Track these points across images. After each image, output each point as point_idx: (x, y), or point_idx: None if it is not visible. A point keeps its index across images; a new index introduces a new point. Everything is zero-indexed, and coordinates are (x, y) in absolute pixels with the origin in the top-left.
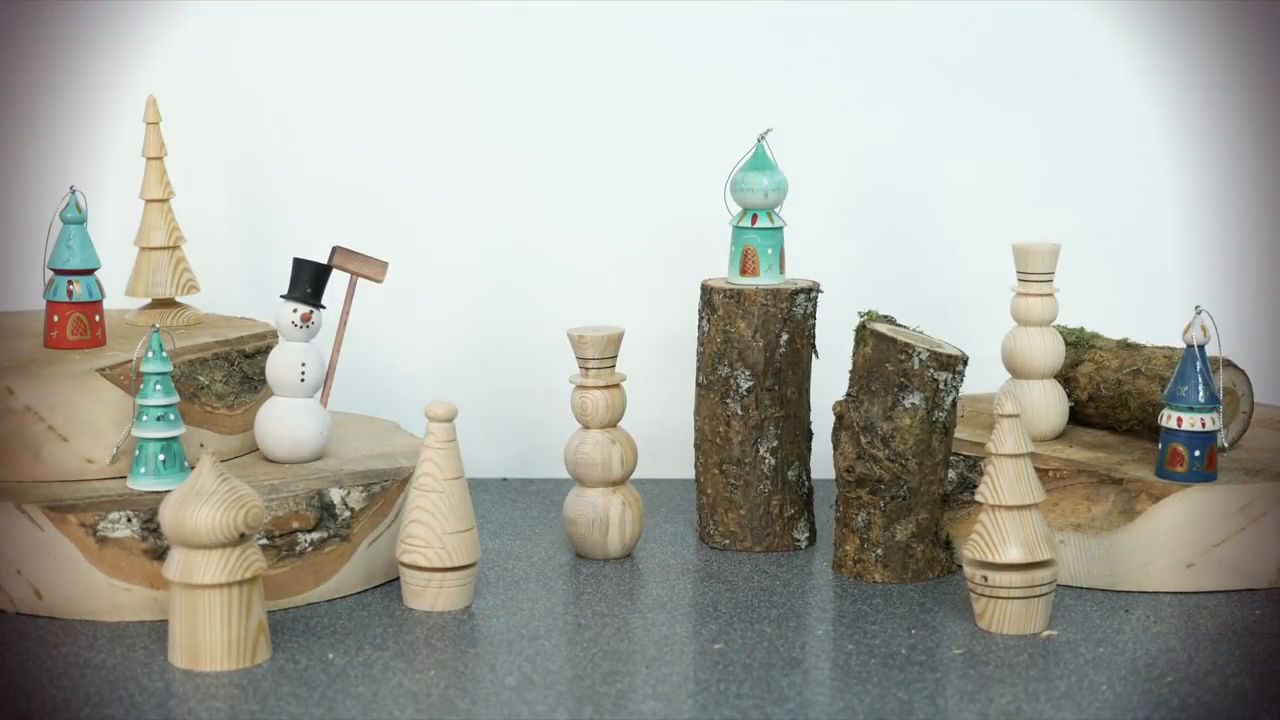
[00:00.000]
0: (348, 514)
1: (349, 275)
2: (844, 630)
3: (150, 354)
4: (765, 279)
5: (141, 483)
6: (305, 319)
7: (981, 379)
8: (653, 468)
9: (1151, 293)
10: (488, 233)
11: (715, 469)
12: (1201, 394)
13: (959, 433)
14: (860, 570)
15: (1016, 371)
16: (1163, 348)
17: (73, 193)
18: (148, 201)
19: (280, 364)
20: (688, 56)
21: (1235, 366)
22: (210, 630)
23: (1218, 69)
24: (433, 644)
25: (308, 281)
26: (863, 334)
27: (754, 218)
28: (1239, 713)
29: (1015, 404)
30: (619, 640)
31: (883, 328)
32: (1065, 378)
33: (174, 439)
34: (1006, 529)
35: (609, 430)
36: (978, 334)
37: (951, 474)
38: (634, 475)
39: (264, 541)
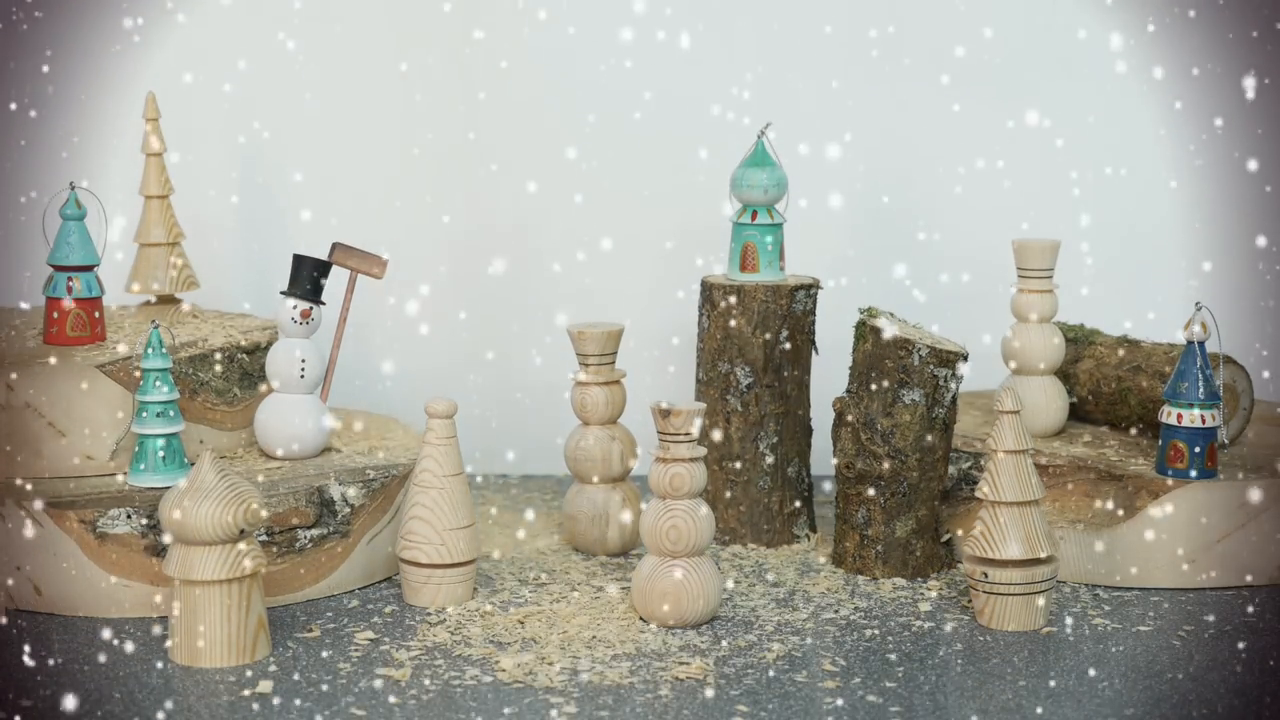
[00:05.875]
0: (347, 510)
1: (349, 271)
2: (844, 627)
3: (150, 350)
4: (765, 275)
5: (141, 479)
6: (305, 315)
7: (982, 375)
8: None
9: (1152, 289)
10: (488, 229)
11: (715, 465)
12: (1202, 390)
13: (959, 429)
14: (860, 566)
15: (1017, 368)
16: (1163, 344)
17: (72, 189)
18: (147, 198)
19: (280, 360)
20: (688, 53)
21: (1235, 363)
22: (210, 626)
23: (1218, 65)
24: (432, 642)
25: (308, 278)
26: (863, 330)
27: (754, 214)
28: (1239, 709)
29: (1015, 400)
30: (620, 639)
31: (883, 324)
32: (1065, 374)
33: (174, 435)
34: (1007, 525)
35: (609, 426)
36: (978, 330)
37: (951, 470)
38: (634, 471)
39: (263, 538)
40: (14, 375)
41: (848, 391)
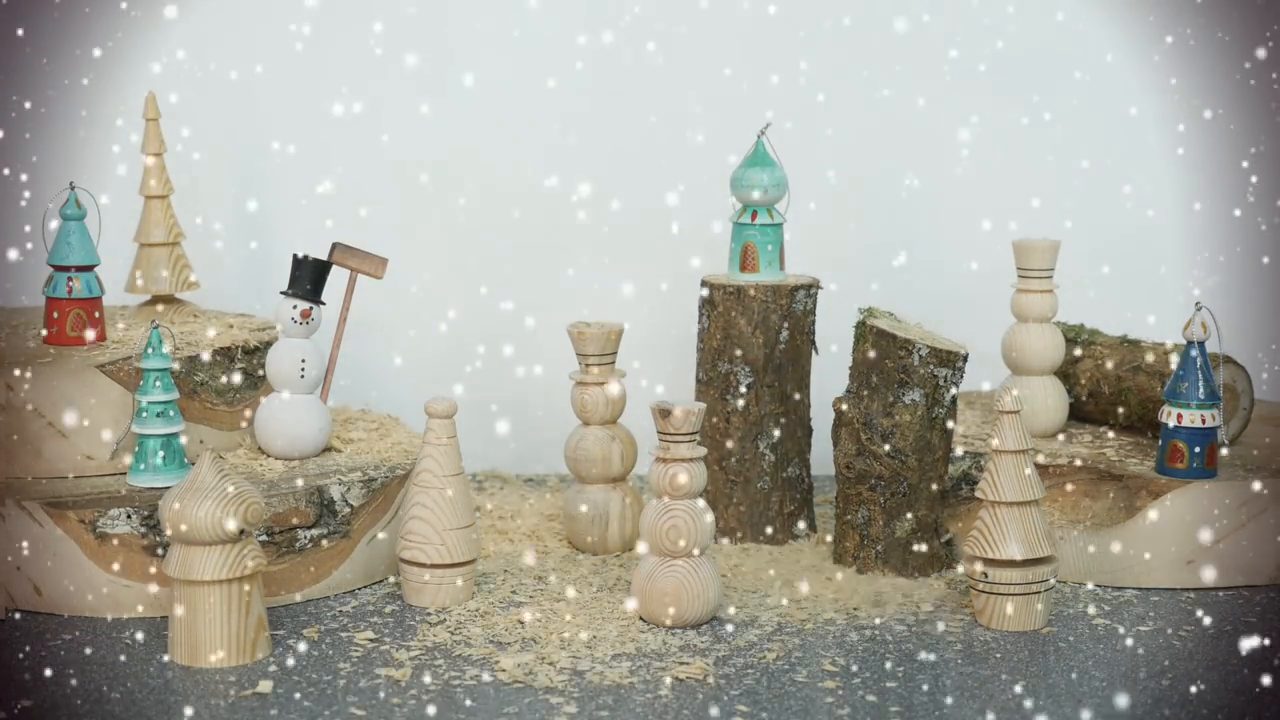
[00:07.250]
0: (347, 510)
1: (349, 271)
2: (844, 627)
3: (150, 350)
4: (765, 275)
5: (141, 479)
6: (305, 315)
7: (982, 375)
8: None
9: (1151, 289)
10: (488, 229)
11: (715, 465)
12: (1201, 390)
13: (959, 428)
14: (860, 566)
15: (1017, 368)
16: (1163, 344)
17: (72, 189)
18: (147, 198)
19: (280, 360)
20: (688, 52)
21: (1235, 363)
22: (210, 626)
23: (1217, 65)
24: (433, 641)
25: (308, 278)
26: (863, 330)
27: (754, 214)
28: (1239, 709)
29: (1015, 400)
30: (621, 637)
31: (883, 324)
32: (1065, 374)
33: (174, 435)
34: (1007, 525)
35: (609, 426)
36: (978, 330)
37: (951, 470)
38: (634, 471)
39: (263, 538)
40: (16, 373)
41: (848, 391)
